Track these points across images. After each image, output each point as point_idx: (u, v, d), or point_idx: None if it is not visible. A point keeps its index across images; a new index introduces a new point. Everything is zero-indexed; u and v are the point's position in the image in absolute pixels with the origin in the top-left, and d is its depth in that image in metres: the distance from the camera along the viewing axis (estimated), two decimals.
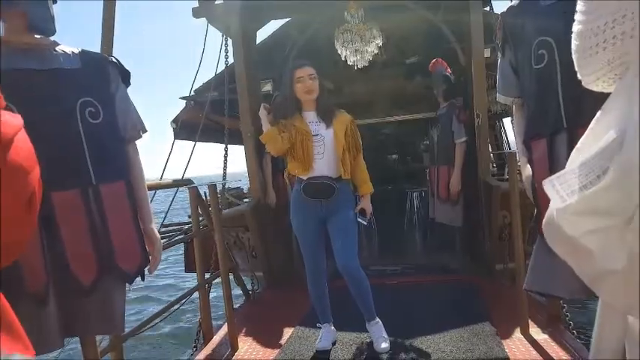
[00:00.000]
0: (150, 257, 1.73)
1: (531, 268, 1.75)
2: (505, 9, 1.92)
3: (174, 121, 5.95)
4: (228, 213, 4.15)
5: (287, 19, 5.80)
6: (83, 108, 1.56)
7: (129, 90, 1.77)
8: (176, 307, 2.83)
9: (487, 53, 4.21)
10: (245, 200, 4.89)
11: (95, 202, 1.56)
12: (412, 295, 3.62)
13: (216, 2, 4.27)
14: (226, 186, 5.20)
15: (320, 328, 2.81)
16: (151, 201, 2.10)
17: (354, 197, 2.73)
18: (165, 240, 1.95)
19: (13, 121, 0.67)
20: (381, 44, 4.98)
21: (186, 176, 3.99)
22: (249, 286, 4.24)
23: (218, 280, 3.10)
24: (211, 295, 3.78)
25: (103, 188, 1.58)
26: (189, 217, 3.87)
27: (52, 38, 1.60)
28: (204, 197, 3.25)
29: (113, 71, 1.69)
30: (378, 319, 2.69)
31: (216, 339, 3.00)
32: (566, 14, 1.51)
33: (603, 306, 1.01)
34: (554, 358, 2.34)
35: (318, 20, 5.47)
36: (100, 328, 1.62)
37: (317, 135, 2.57)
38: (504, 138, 8.05)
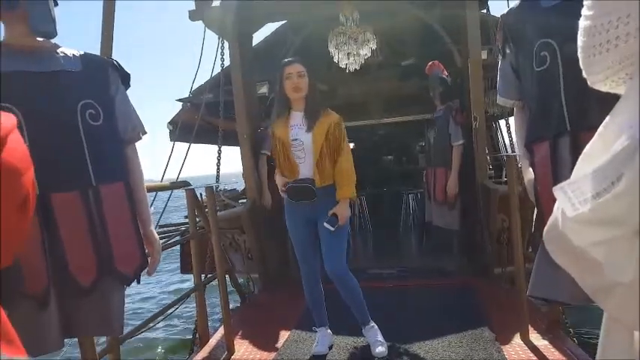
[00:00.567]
0: (149, 259, 1.72)
1: (535, 273, 1.72)
2: (506, 10, 1.91)
3: (171, 122, 5.92)
4: (223, 215, 4.14)
5: (283, 22, 5.79)
6: (84, 110, 1.56)
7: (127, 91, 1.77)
8: (172, 309, 2.80)
9: (484, 55, 4.21)
10: (241, 202, 4.87)
11: (95, 203, 1.56)
12: (409, 298, 3.60)
13: (212, 5, 4.25)
14: (222, 188, 5.18)
15: (316, 332, 2.79)
16: (151, 204, 2.09)
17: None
18: (162, 241, 1.94)
19: (6, 121, 0.65)
20: (374, 47, 4.97)
21: (181, 177, 3.97)
22: (245, 289, 4.22)
23: (213, 282, 3.08)
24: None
25: (103, 189, 1.58)
26: (186, 217, 3.85)
27: (52, 41, 1.59)
28: (200, 199, 3.23)
29: (113, 74, 1.70)
30: (373, 324, 2.67)
31: (213, 341, 2.98)
32: (568, 16, 1.50)
33: (608, 320, 0.98)
34: None
35: (314, 23, 5.46)
36: (98, 329, 1.62)
37: (296, 140, 2.56)
38: (500, 140, 8.07)
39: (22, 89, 1.44)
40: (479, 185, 3.89)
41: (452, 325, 2.87)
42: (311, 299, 2.75)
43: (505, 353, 2.47)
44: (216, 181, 4.62)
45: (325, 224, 2.48)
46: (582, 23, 0.77)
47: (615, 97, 0.80)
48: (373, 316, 2.68)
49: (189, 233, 2.98)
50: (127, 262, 1.63)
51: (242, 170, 4.31)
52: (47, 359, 1.54)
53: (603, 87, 0.84)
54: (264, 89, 5.36)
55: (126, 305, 1.73)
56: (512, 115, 4.34)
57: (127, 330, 2.08)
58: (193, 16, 4.20)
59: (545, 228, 0.85)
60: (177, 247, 4.64)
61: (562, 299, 1.66)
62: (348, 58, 4.86)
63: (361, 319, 2.66)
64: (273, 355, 2.74)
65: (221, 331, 3.00)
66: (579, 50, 0.80)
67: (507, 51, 1.88)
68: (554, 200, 1.65)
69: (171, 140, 5.54)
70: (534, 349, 2.50)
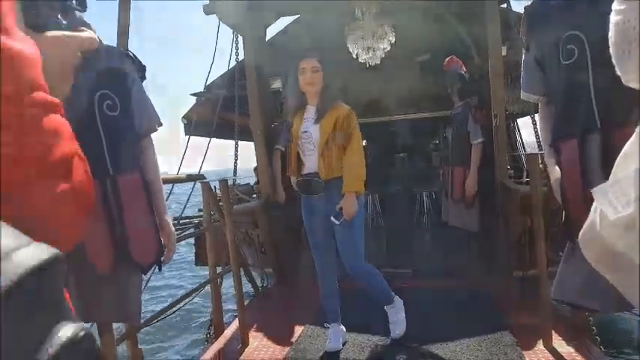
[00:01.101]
0: (165, 249, 1.75)
1: (560, 276, 1.65)
2: (530, 1, 1.85)
3: (185, 117, 5.92)
4: (237, 209, 4.13)
5: (297, 16, 5.74)
6: (101, 101, 1.57)
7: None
8: (188, 299, 2.80)
9: (503, 52, 4.12)
10: (254, 196, 4.87)
11: (112, 193, 1.58)
12: (425, 299, 3.48)
13: None
14: (235, 182, 5.18)
15: (328, 328, 2.77)
16: (168, 196, 2.10)
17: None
18: (177, 232, 1.95)
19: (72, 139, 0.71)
20: (393, 41, 4.90)
21: (190, 171, 3.98)
22: (258, 282, 4.21)
23: (227, 275, 3.08)
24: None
25: (120, 179, 1.60)
26: (200, 210, 3.83)
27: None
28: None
29: (130, 65, 1.70)
30: (395, 300, 2.68)
31: (228, 333, 2.98)
32: (598, 6, 1.42)
33: None
34: None
35: (328, 17, 5.41)
36: (116, 316, 1.66)
37: (306, 132, 2.56)
38: (518, 138, 7.94)
39: None
40: (498, 184, 3.81)
41: (470, 328, 2.80)
42: (325, 294, 2.73)
43: (526, 358, 2.39)
44: (234, 175, 4.61)
45: (331, 218, 2.47)
46: (613, 18, 0.73)
47: None
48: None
49: (203, 226, 2.98)
50: (143, 251, 1.66)
51: (255, 165, 4.30)
52: None
53: (638, 85, 0.79)
54: (277, 84, 5.32)
55: (147, 295, 1.74)
56: (532, 113, 4.26)
57: (144, 319, 2.10)
58: (207, 10, 4.18)
59: (581, 231, 0.80)
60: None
61: (591, 306, 1.59)
62: (367, 53, 4.80)
63: (385, 301, 2.67)
64: (286, 349, 2.73)
65: (236, 323, 3.00)
66: (611, 47, 0.76)
67: (531, 44, 1.82)
68: (582, 201, 1.59)
69: (186, 134, 5.55)
70: (558, 356, 2.40)
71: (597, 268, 0.81)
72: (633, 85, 0.81)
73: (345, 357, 2.58)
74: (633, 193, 0.70)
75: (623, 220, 0.70)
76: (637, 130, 0.76)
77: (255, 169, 4.69)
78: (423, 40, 6.31)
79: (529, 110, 4.30)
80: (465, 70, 4.34)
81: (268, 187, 4.14)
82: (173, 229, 1.80)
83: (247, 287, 3.81)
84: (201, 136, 5.47)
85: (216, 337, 2.91)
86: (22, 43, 0.58)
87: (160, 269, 1.76)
